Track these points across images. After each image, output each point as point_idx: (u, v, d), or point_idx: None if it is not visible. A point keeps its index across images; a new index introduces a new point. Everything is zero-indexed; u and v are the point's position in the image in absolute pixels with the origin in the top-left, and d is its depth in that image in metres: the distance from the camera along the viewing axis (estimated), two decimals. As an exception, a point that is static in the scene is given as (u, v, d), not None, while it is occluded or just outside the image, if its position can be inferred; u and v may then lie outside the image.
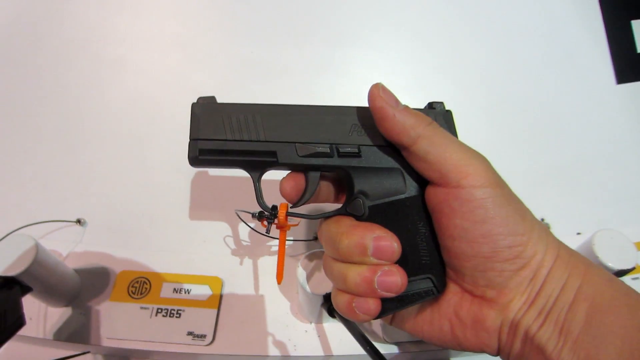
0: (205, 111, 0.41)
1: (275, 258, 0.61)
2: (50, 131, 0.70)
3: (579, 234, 0.63)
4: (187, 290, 0.58)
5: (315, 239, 0.62)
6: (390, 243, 0.37)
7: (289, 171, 0.43)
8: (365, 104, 0.41)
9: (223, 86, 0.72)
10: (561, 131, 0.73)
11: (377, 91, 0.37)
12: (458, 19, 0.79)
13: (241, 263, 0.61)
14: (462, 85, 0.74)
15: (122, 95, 0.72)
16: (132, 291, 0.57)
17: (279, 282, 0.46)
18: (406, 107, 0.38)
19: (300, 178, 0.42)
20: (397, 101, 0.38)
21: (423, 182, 0.38)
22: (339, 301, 0.38)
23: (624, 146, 0.72)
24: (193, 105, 0.42)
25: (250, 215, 0.46)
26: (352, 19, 0.78)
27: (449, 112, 0.41)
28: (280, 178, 0.43)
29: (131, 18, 0.76)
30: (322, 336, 0.56)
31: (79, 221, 0.63)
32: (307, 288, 0.49)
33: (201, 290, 0.58)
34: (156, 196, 0.66)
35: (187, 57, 0.74)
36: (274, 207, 0.44)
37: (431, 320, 0.39)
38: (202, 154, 0.41)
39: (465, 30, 0.78)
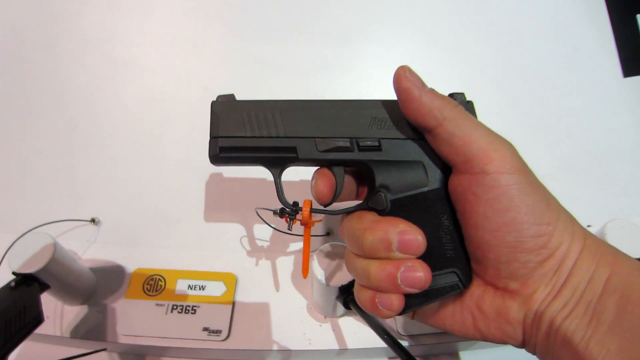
0: (225, 109, 0.42)
1: (288, 255, 0.61)
2: (65, 131, 0.71)
3: (589, 226, 0.63)
4: (202, 286, 0.58)
5: (328, 234, 0.62)
6: (415, 237, 0.36)
7: (313, 167, 0.43)
8: (382, 97, 0.41)
9: (234, 84, 0.73)
10: (569, 125, 0.73)
11: (404, 72, 0.37)
12: (464, 13, 0.79)
13: (255, 259, 0.61)
14: (469, 80, 0.74)
15: (135, 94, 0.73)
16: (147, 288, 0.58)
17: (305, 277, 0.47)
18: (432, 89, 0.37)
19: (330, 176, 0.42)
20: (423, 83, 0.37)
21: (446, 174, 0.38)
22: (361, 297, 0.38)
23: (631, 138, 0.72)
24: (213, 103, 0.42)
25: (272, 212, 0.46)
26: (359, 14, 0.78)
27: (470, 103, 0.41)
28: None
29: (143, 18, 0.77)
30: (337, 330, 0.56)
31: (93, 220, 0.63)
32: (323, 281, 0.49)
33: (216, 287, 0.58)
34: (169, 195, 0.67)
35: (198, 56, 0.75)
36: (295, 204, 0.44)
37: (453, 314, 0.39)
38: (222, 151, 0.41)
39: (472, 25, 0.79)
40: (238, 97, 0.43)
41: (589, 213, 0.65)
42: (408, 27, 0.78)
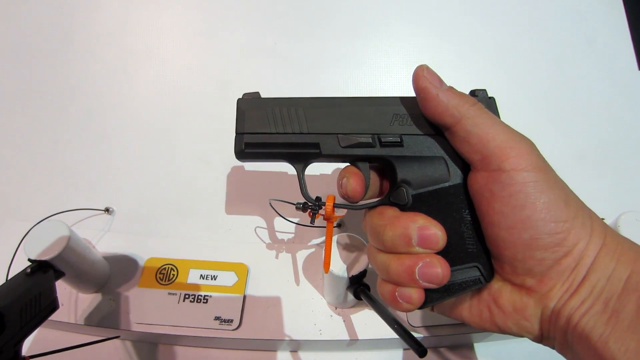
0: (250, 106, 0.43)
1: (300, 246, 0.62)
2: (80, 122, 0.72)
3: (603, 219, 0.62)
4: (214, 276, 0.59)
5: (339, 225, 0.62)
6: (435, 232, 0.37)
7: (336, 163, 0.44)
8: (402, 93, 0.41)
9: (247, 77, 0.73)
10: (583, 118, 0.73)
11: (421, 71, 0.38)
12: (478, 5, 0.79)
13: (266, 250, 0.61)
14: (484, 72, 0.74)
15: (148, 86, 0.74)
16: (159, 277, 0.58)
17: (326, 271, 0.48)
18: (451, 87, 0.38)
19: (359, 173, 0.42)
20: (441, 81, 0.38)
21: (467, 169, 0.38)
22: (383, 290, 0.39)
23: (646, 131, 0.72)
24: (238, 100, 0.43)
25: (294, 207, 0.46)
26: (372, 8, 0.78)
27: (492, 99, 0.41)
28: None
29: (156, 10, 0.78)
30: (347, 321, 0.56)
31: (107, 210, 0.64)
32: (334, 271, 0.49)
33: (227, 277, 0.59)
34: (182, 186, 0.67)
35: (211, 48, 0.76)
36: (318, 199, 0.44)
37: (470, 307, 0.39)
38: (247, 147, 0.42)
39: (487, 17, 0.78)
40: (251, 90, 0.44)
41: (603, 206, 0.64)
42: (422, 20, 0.78)
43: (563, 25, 0.78)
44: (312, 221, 0.45)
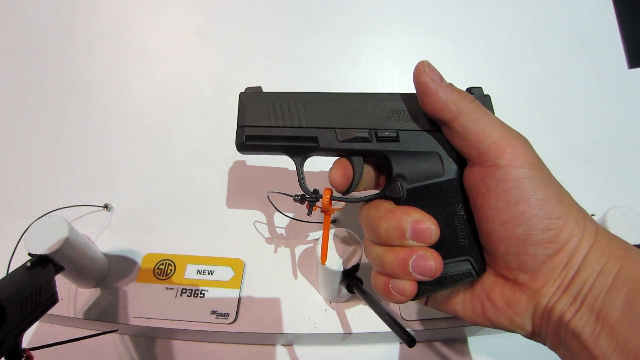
0: (252, 100, 0.44)
1: (295, 241, 0.63)
2: (80, 120, 0.73)
3: (593, 215, 0.63)
4: (210, 271, 0.60)
5: (333, 222, 0.63)
6: (429, 225, 0.38)
7: (335, 157, 0.45)
8: (397, 91, 0.42)
9: (244, 75, 0.74)
10: (573, 116, 0.73)
11: (423, 67, 0.38)
12: (472, 5, 0.80)
13: (262, 246, 0.62)
14: (476, 71, 0.75)
15: (147, 85, 0.74)
16: (157, 273, 0.59)
17: (323, 263, 0.49)
18: (450, 84, 0.39)
19: (346, 165, 0.43)
20: (441, 78, 0.39)
21: (461, 165, 0.39)
22: (377, 282, 0.40)
23: (635, 129, 0.73)
24: (241, 94, 0.44)
25: (292, 199, 0.47)
26: (366, 7, 0.79)
27: (487, 97, 0.42)
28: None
29: (156, 10, 0.79)
30: (342, 315, 0.57)
31: (106, 206, 0.65)
32: (327, 265, 0.50)
33: (224, 272, 0.59)
34: (180, 182, 0.68)
35: (209, 48, 0.77)
36: (316, 191, 0.45)
37: (463, 301, 0.40)
38: (248, 139, 0.43)
39: (478, 17, 0.79)
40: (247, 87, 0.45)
41: (592, 202, 0.65)
42: (417, 19, 0.79)
43: (554, 24, 0.79)
44: (310, 213, 0.46)
